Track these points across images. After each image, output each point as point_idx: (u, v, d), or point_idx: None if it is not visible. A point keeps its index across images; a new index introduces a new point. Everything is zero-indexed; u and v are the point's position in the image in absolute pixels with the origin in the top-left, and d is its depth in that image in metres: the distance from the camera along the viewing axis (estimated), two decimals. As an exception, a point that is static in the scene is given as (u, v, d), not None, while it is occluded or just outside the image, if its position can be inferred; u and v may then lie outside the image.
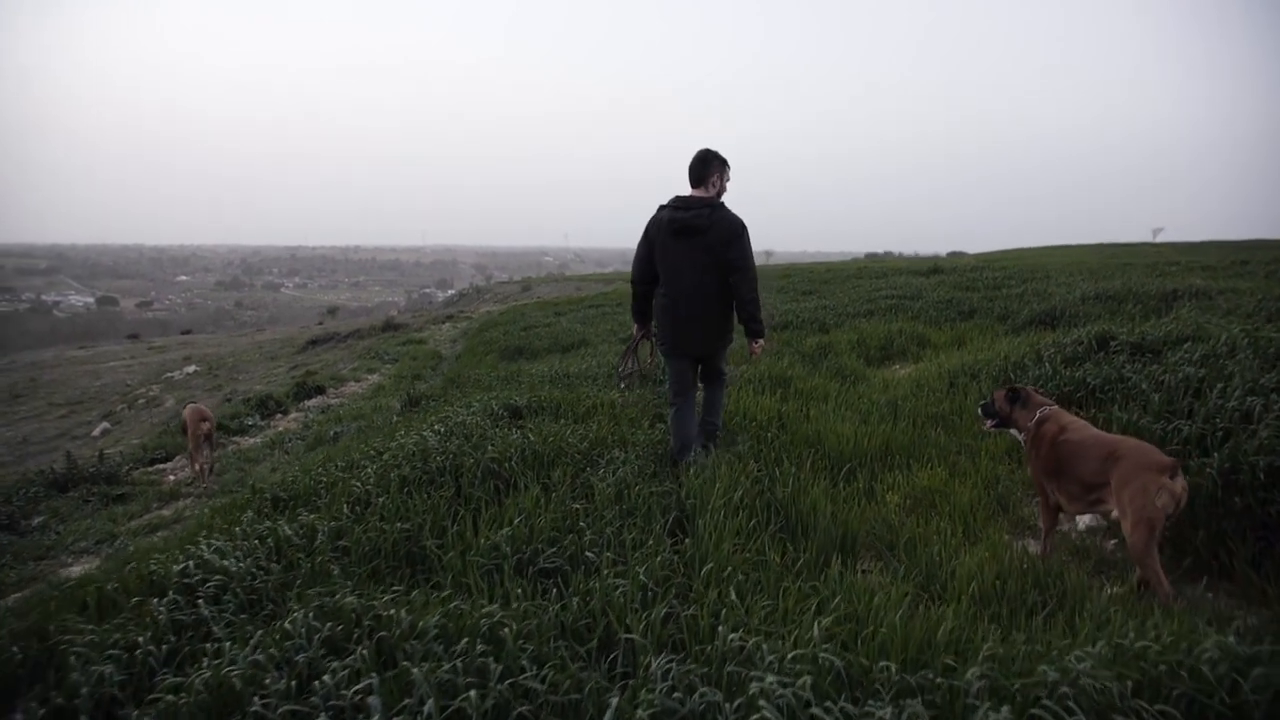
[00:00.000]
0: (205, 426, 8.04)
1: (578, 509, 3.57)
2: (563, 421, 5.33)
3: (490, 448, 4.39)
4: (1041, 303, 10.17)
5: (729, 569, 2.80)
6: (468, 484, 3.97)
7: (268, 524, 3.53)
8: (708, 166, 4.17)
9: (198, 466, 8.00)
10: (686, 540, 3.16)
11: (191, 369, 25.66)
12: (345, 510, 3.71)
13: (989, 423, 3.69)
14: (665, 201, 4.26)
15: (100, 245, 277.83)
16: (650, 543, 3.14)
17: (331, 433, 8.12)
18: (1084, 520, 3.77)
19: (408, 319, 31.22)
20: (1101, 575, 3.30)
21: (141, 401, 21.05)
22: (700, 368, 4.52)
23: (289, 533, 3.38)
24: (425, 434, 4.96)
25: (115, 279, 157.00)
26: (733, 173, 4.30)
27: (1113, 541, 3.53)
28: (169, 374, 25.34)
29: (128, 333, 53.03)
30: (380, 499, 3.82)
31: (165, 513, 6.33)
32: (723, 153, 4.24)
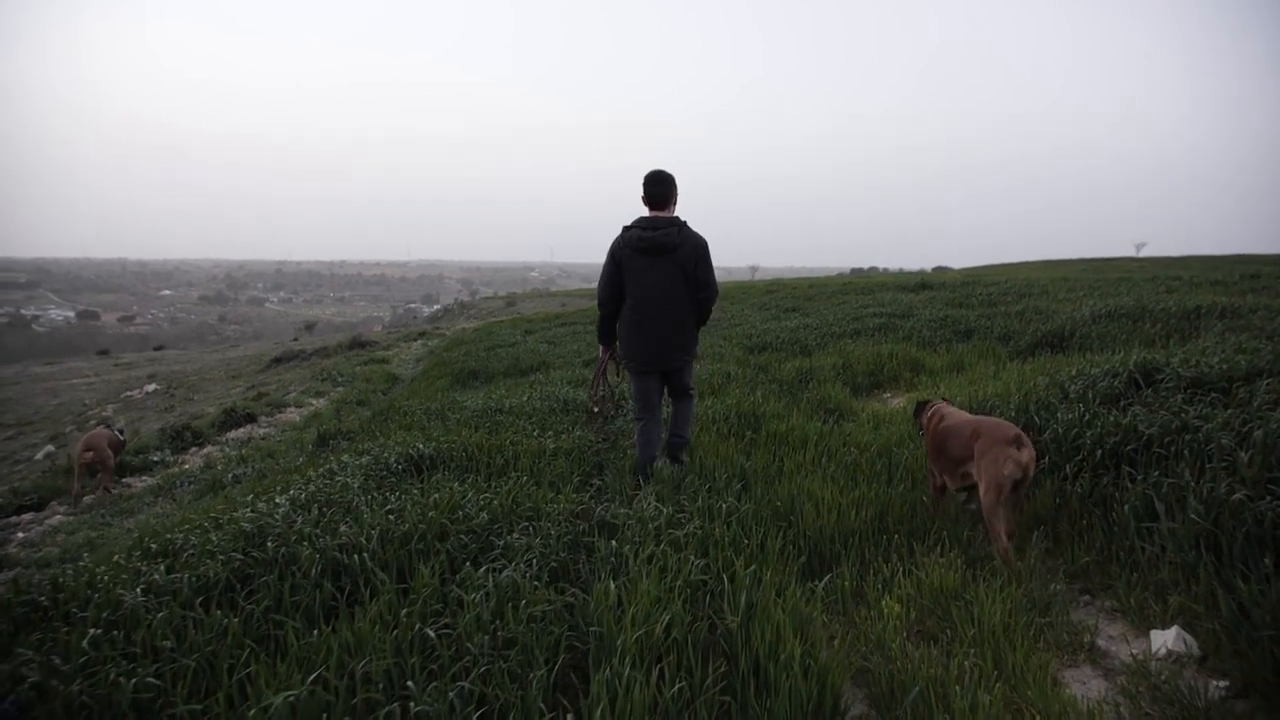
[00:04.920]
0: (88, 456, 7.70)
1: (431, 636, 2.42)
2: (471, 479, 4.18)
3: (344, 529, 3.22)
4: (1046, 322, 9.16)
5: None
6: (291, 591, 2.80)
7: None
8: (667, 187, 4.18)
9: (73, 497, 7.78)
10: (569, 718, 2.01)
11: (151, 388, 24.34)
12: (90, 638, 2.52)
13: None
14: (629, 223, 4.23)
15: (83, 259, 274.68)
16: (516, 713, 2.00)
17: (230, 475, 6.90)
18: (1165, 642, 2.64)
19: (379, 336, 30.00)
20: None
21: (93, 423, 19.74)
22: (667, 385, 4.47)
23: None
24: (279, 500, 3.79)
25: (97, 293, 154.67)
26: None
27: (1223, 684, 2.39)
28: (129, 393, 23.99)
29: (106, 347, 51.51)
30: (158, 615, 2.65)
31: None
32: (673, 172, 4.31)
